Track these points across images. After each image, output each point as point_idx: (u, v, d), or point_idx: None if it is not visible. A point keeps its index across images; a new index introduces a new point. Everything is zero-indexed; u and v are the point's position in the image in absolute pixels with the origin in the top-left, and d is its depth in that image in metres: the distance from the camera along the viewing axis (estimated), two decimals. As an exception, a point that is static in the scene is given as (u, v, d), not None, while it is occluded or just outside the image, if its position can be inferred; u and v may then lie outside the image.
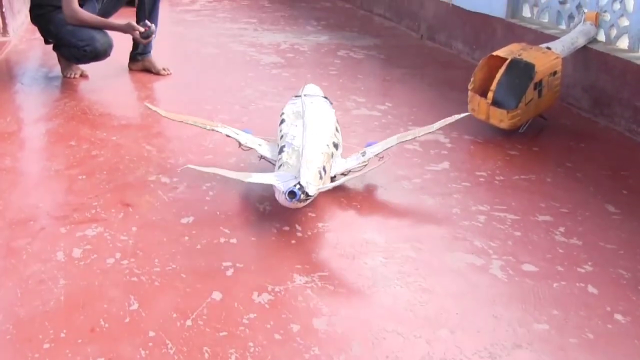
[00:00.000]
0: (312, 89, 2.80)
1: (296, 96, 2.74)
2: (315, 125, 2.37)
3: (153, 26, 3.66)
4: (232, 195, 2.38)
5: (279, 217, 2.21)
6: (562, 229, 2.19)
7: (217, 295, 1.78)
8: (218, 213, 2.24)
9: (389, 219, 2.24)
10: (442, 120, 2.46)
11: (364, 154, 2.42)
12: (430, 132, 2.45)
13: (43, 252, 1.97)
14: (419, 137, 2.45)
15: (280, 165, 2.26)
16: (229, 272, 1.89)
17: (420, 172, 2.62)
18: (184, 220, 2.19)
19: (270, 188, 2.24)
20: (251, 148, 2.49)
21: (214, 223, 2.17)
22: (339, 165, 2.39)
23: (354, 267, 1.94)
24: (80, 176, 2.51)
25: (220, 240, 2.07)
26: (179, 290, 1.80)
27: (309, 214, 2.25)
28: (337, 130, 2.51)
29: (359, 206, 2.33)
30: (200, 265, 1.92)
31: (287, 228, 2.15)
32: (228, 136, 2.51)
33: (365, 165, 2.43)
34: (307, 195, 2.04)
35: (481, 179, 2.57)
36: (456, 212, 2.30)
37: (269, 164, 2.45)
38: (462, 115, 2.46)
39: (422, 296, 1.80)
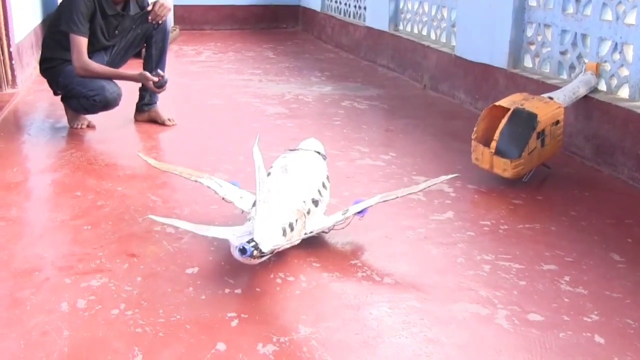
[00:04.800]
0: (309, 143, 2.72)
1: (291, 150, 2.67)
2: (290, 181, 2.33)
3: (166, 75, 3.71)
4: (236, 245, 2.38)
5: (284, 268, 2.21)
6: (567, 278, 2.18)
7: (221, 346, 1.77)
8: (223, 263, 2.24)
9: (393, 269, 2.24)
10: (428, 182, 2.46)
11: (345, 212, 2.35)
12: (412, 193, 2.50)
13: (47, 303, 1.97)
14: (401, 197, 2.38)
15: (249, 219, 2.18)
16: (234, 323, 1.89)
17: (424, 221, 2.63)
18: (189, 271, 2.19)
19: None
20: (232, 202, 2.45)
21: (218, 273, 2.17)
22: (318, 222, 2.31)
23: (359, 317, 1.93)
24: (86, 226, 2.52)
25: (225, 290, 2.07)
26: (183, 341, 1.79)
27: (314, 264, 2.25)
28: (323, 186, 2.43)
29: (363, 256, 2.33)
30: (205, 316, 1.92)
31: (292, 278, 2.15)
32: (209, 188, 2.50)
33: (348, 223, 2.39)
34: (261, 252, 1.90)
35: (485, 229, 2.57)
36: (461, 261, 2.30)
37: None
38: (450, 176, 2.46)
39: (427, 347, 1.79)
